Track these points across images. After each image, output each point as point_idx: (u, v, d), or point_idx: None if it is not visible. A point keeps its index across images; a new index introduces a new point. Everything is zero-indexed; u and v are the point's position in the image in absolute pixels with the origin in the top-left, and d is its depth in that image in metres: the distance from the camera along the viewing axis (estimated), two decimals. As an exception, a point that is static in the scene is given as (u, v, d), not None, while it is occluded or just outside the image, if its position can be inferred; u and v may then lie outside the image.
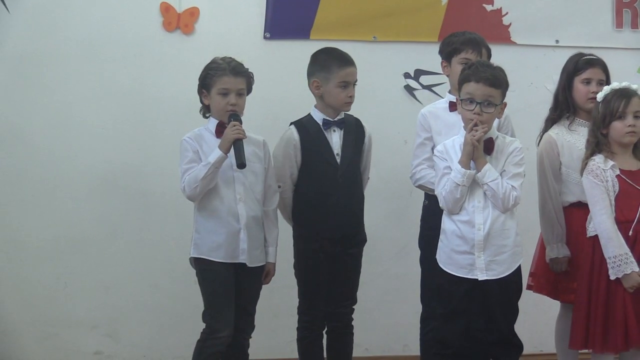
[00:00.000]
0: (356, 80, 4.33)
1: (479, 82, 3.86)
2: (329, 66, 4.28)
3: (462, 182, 3.85)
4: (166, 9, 5.04)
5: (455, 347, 3.89)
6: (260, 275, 4.21)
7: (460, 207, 3.90)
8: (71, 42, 4.99)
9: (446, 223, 3.94)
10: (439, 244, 3.98)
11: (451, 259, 3.90)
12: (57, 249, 5.00)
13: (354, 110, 4.44)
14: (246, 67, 4.16)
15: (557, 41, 5.36)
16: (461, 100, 3.90)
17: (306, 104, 4.40)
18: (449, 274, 3.90)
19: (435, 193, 3.94)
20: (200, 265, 4.12)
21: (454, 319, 3.89)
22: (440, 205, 3.91)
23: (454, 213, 3.89)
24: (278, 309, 4.80)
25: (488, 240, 3.88)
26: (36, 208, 4.99)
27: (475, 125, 3.85)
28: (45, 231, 4.99)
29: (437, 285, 3.96)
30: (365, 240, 4.43)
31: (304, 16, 5.16)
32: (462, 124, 4.01)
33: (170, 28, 5.06)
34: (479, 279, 3.87)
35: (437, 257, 3.98)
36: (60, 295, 5.02)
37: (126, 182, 5.04)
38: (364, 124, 4.44)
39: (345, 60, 4.30)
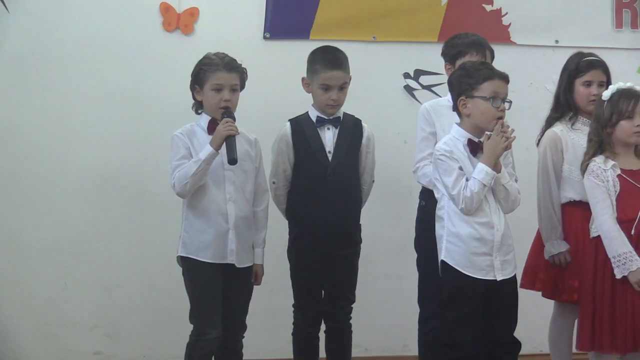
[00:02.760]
0: (345, 83, 4.28)
1: (502, 80, 3.89)
2: (315, 66, 4.29)
3: (489, 183, 3.84)
4: (166, 9, 5.05)
5: (466, 350, 3.88)
6: (250, 276, 4.17)
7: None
8: (71, 42, 5.00)
9: (460, 227, 3.88)
10: (451, 247, 3.90)
11: (471, 262, 3.86)
12: (56, 249, 5.01)
13: (354, 110, 4.44)
14: (244, 66, 4.15)
15: (556, 41, 5.36)
16: (482, 98, 3.86)
17: (306, 104, 4.40)
18: (469, 276, 3.86)
19: (452, 194, 3.86)
20: (187, 265, 4.08)
21: (469, 322, 3.87)
22: (460, 206, 3.84)
23: (471, 214, 3.88)
24: (276, 308, 4.79)
25: (502, 240, 3.90)
26: (35, 208, 4.99)
27: (502, 125, 3.86)
28: (44, 231, 5.00)
29: (452, 290, 3.89)
30: (359, 242, 4.41)
31: (304, 16, 5.17)
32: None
33: (170, 28, 5.06)
34: (497, 279, 3.87)
35: (450, 261, 3.90)
36: (60, 295, 5.02)
37: (126, 182, 5.05)
38: (364, 125, 4.42)
39: (329, 63, 4.26)
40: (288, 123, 4.37)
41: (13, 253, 4.99)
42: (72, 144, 5.01)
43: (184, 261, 4.10)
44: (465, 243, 3.87)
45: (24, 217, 5.00)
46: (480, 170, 3.83)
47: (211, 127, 4.06)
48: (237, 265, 4.07)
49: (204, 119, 4.11)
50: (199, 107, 4.15)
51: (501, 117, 3.87)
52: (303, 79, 4.34)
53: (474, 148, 3.90)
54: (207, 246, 4.04)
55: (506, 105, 3.89)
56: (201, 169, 3.95)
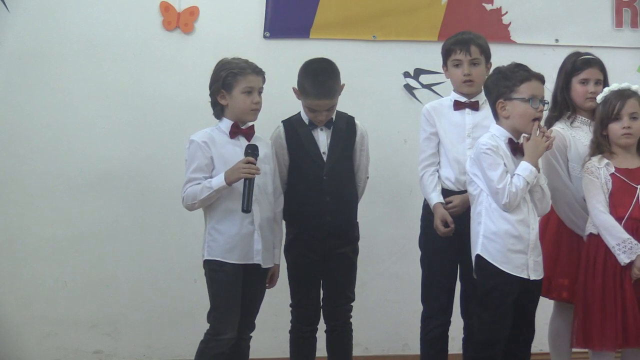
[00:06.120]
0: (333, 107, 4.27)
1: (539, 80, 3.93)
2: (304, 87, 4.28)
3: (532, 181, 3.87)
4: (166, 8, 5.05)
5: (500, 349, 3.90)
6: (266, 277, 4.19)
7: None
8: (71, 41, 5.00)
9: (499, 223, 3.89)
10: (487, 243, 3.90)
11: (507, 258, 3.88)
12: (57, 248, 5.01)
13: (354, 109, 4.44)
14: None
15: (556, 40, 5.36)
16: (521, 99, 3.89)
17: (306, 103, 4.41)
18: (504, 273, 3.87)
19: (497, 187, 3.85)
20: (211, 267, 4.08)
21: (505, 321, 3.89)
22: (503, 201, 3.84)
23: (510, 211, 3.88)
24: (278, 307, 4.78)
25: (535, 241, 3.93)
26: (36, 207, 4.99)
27: (539, 126, 3.89)
28: (45, 230, 5.00)
29: (489, 289, 3.89)
30: (357, 239, 4.40)
31: (304, 15, 5.16)
32: (468, 124, 4.19)
33: (170, 27, 5.06)
34: (531, 278, 3.90)
35: (487, 256, 3.90)
36: (60, 294, 5.02)
37: (126, 181, 5.04)
38: (357, 122, 4.41)
39: (318, 94, 4.23)
40: (281, 124, 4.37)
41: (13, 252, 4.99)
42: (72, 143, 5.01)
43: (208, 263, 4.09)
44: (502, 239, 3.89)
45: (24, 217, 5.00)
46: (525, 168, 3.86)
47: (234, 132, 4.08)
48: (263, 266, 4.09)
49: (226, 123, 4.11)
50: (220, 112, 4.14)
51: (538, 118, 3.91)
52: (294, 88, 4.33)
53: (514, 148, 3.94)
54: (233, 247, 4.05)
55: (544, 105, 3.93)
56: (211, 197, 3.99)
